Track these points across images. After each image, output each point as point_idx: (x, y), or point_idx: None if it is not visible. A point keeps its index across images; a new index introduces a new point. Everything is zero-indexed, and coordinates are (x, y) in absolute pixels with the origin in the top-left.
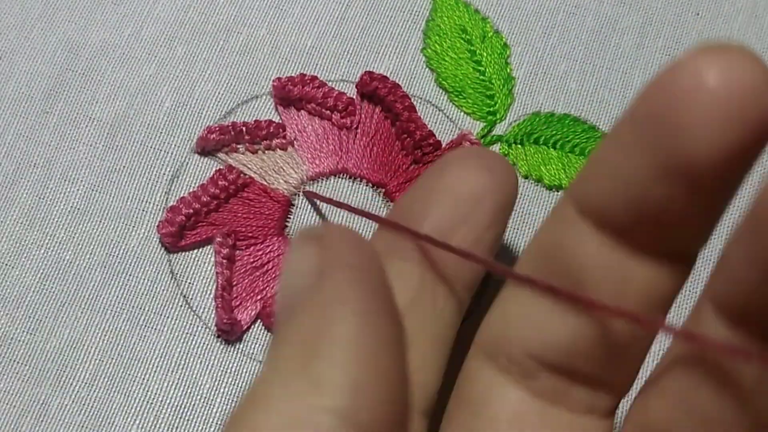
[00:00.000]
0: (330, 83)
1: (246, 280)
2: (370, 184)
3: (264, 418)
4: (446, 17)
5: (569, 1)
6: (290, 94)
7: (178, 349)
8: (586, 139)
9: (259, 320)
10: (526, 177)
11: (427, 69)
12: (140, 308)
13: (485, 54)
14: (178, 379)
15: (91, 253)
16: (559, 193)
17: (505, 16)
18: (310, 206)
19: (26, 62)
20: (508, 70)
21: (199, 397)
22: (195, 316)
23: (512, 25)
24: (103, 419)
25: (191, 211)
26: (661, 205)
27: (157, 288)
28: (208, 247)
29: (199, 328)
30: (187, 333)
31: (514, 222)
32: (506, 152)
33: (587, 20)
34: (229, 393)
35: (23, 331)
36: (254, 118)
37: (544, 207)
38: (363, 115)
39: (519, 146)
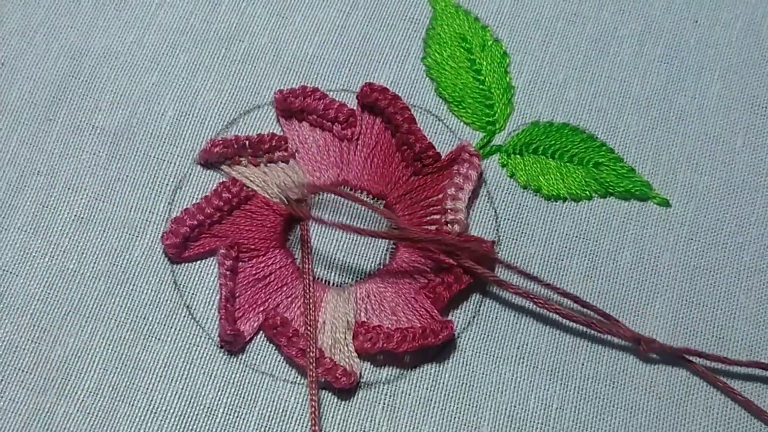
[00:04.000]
0: (331, 93)
1: (248, 292)
2: (371, 196)
3: None
4: (446, 26)
5: (568, 9)
6: (292, 106)
7: (182, 360)
8: (584, 149)
9: (261, 331)
10: (524, 187)
11: (427, 78)
12: (144, 318)
13: (485, 63)
14: (182, 389)
15: (95, 263)
16: (558, 203)
17: (504, 24)
18: (313, 221)
19: (29, 69)
20: (508, 79)
21: (202, 407)
22: (198, 327)
23: (512, 33)
24: (107, 428)
25: (195, 222)
26: None
27: (160, 298)
28: (211, 258)
29: (203, 338)
30: (190, 343)
31: (513, 232)
32: (505, 162)
33: (586, 28)
34: (232, 403)
35: (28, 340)
36: (256, 128)
37: (542, 217)
38: (364, 127)
39: (518, 156)
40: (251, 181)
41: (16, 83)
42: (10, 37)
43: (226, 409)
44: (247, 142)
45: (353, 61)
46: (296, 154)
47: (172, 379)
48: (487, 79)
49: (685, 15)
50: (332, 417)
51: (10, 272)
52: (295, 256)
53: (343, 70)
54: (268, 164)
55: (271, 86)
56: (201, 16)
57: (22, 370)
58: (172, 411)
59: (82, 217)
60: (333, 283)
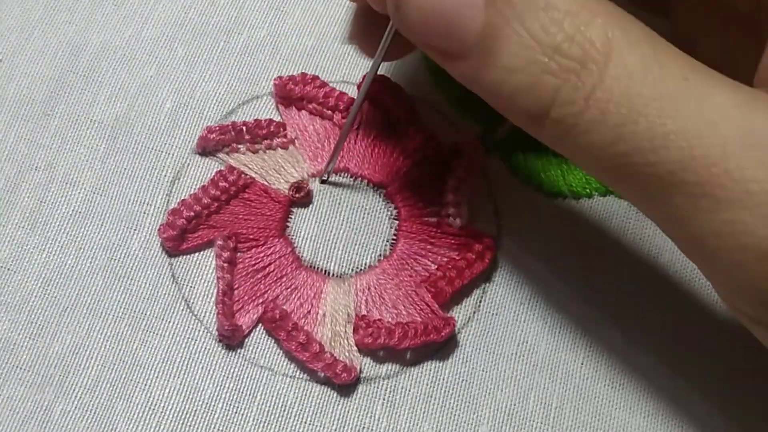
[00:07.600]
0: (331, 84)
1: (247, 283)
2: (371, 185)
3: None
4: None
5: None
6: (291, 93)
7: (180, 354)
8: None
9: (260, 324)
10: (525, 183)
11: (427, 72)
12: (142, 313)
13: None
14: (180, 384)
15: (92, 258)
16: (558, 200)
17: None
18: (310, 203)
19: (27, 65)
20: None
21: (200, 402)
22: (197, 321)
23: None
24: (106, 425)
25: (192, 213)
26: None
27: (158, 292)
28: (210, 250)
29: (201, 332)
30: (188, 338)
31: (513, 228)
32: (506, 158)
33: None
34: (231, 398)
35: (26, 337)
36: (255, 118)
37: (543, 213)
38: (364, 116)
39: (519, 152)
40: (249, 168)
41: (14, 80)
42: (8, 33)
43: (225, 404)
44: (244, 128)
45: (353, 54)
46: (295, 141)
47: (170, 375)
48: None
49: None
50: (332, 412)
51: (8, 269)
52: (295, 244)
53: (343, 63)
54: (267, 151)
55: (270, 77)
56: (199, 10)
57: (20, 368)
58: (170, 407)
59: (80, 212)
60: (332, 274)
